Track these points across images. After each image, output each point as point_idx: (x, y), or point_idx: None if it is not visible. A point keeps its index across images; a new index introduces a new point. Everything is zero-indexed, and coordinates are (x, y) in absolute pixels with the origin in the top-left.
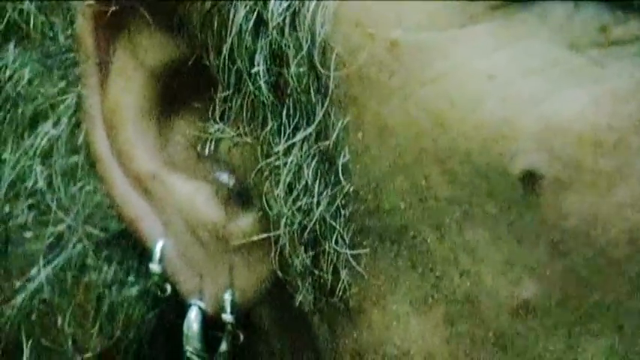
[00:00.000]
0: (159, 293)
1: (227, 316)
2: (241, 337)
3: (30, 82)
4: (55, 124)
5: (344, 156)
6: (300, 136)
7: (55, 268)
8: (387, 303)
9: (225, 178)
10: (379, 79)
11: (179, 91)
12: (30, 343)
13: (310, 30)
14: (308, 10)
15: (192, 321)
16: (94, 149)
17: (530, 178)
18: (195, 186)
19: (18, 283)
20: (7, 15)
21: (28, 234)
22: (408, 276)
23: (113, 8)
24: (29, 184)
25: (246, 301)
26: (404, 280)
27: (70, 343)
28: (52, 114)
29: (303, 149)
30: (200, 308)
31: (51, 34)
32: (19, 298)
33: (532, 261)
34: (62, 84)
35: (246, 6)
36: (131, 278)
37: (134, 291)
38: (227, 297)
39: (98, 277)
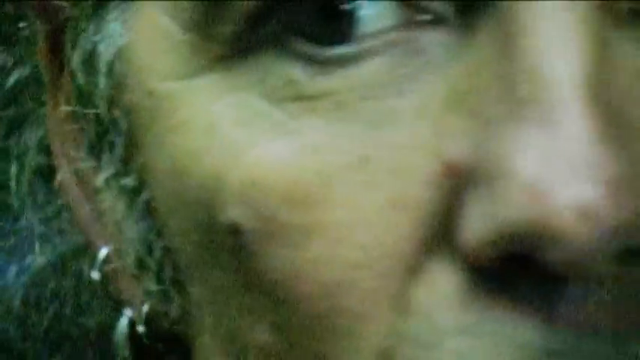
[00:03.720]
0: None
1: (140, 328)
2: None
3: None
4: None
5: (146, 194)
6: (105, 174)
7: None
8: (200, 334)
9: None
10: (148, 125)
11: None
12: None
13: (106, 73)
14: (103, 54)
15: (121, 330)
16: (54, 156)
17: (236, 232)
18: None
19: None
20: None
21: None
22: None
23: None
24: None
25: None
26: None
27: None
28: (32, 119)
29: (112, 186)
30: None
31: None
32: None
33: (260, 309)
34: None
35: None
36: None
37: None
38: (145, 308)
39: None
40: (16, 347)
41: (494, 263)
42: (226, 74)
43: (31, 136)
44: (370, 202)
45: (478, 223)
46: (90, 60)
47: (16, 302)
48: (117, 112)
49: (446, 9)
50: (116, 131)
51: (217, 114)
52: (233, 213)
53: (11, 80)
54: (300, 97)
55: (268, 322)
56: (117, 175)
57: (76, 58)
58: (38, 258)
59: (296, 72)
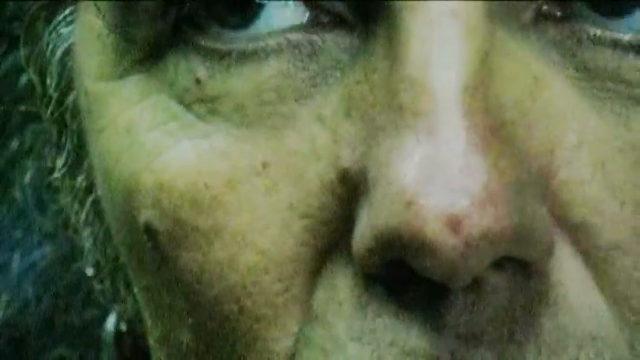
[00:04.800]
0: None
1: (122, 326)
2: None
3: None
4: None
5: (94, 194)
6: (58, 173)
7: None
8: (148, 335)
9: None
10: (86, 126)
11: None
12: None
13: (56, 73)
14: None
15: (108, 327)
16: None
17: (151, 233)
18: None
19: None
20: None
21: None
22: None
23: None
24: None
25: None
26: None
27: None
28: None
29: (66, 186)
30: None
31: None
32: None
33: (180, 310)
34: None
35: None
36: None
37: None
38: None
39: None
40: (21, 338)
41: (382, 270)
42: (145, 77)
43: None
44: (270, 207)
45: (362, 230)
46: (42, 60)
47: (23, 294)
48: (66, 113)
49: (347, 11)
50: (66, 131)
51: (136, 117)
52: (147, 215)
53: (24, 79)
54: (204, 99)
55: (188, 323)
56: (69, 175)
57: (32, 59)
58: (44, 252)
59: (199, 70)
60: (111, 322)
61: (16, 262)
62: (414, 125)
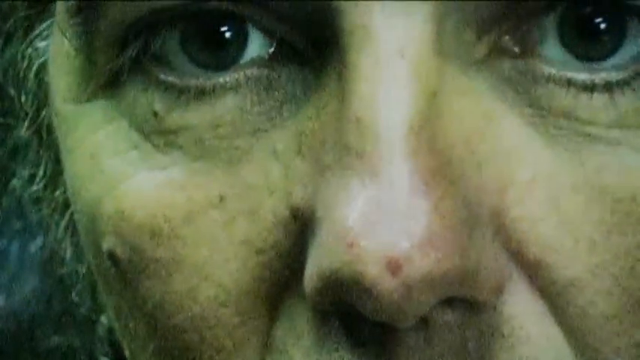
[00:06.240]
0: None
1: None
2: None
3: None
4: None
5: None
6: (38, 186)
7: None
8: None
9: None
10: (60, 143)
11: None
12: None
13: (30, 88)
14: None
15: (102, 325)
16: None
17: (113, 259)
18: None
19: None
20: None
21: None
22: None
23: None
24: None
25: None
26: None
27: None
28: None
29: (47, 198)
30: None
31: None
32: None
33: (144, 334)
34: None
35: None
36: None
37: None
38: None
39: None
40: (26, 326)
41: (334, 307)
42: (107, 103)
43: None
44: (227, 241)
45: (310, 270)
46: (19, 74)
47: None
48: (42, 128)
49: (304, 45)
50: (42, 145)
51: (99, 142)
52: (109, 242)
53: None
54: (162, 131)
55: (151, 348)
56: (47, 187)
57: (9, 72)
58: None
59: (157, 104)
60: (104, 320)
61: (16, 251)
62: (359, 166)
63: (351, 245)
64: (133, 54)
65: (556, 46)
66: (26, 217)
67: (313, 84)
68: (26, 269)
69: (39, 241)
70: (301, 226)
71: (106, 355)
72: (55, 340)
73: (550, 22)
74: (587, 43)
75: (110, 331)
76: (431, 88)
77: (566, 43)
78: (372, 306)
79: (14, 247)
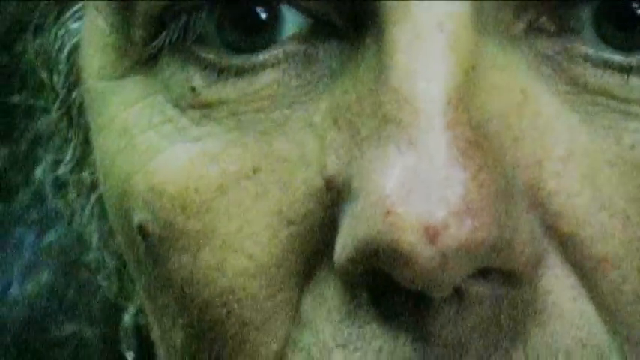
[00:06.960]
0: None
1: (141, 319)
2: None
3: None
4: None
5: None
6: (65, 168)
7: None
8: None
9: None
10: (91, 122)
11: None
12: None
13: (63, 69)
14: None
15: (126, 320)
16: None
17: (144, 234)
18: None
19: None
20: None
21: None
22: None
23: None
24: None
25: None
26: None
27: None
28: None
29: (73, 181)
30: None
31: None
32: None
33: (173, 310)
34: None
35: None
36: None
37: None
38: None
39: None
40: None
41: (365, 278)
42: (142, 78)
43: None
44: (259, 212)
45: (343, 239)
46: (50, 56)
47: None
48: (73, 108)
49: (340, 20)
50: (72, 126)
51: (132, 118)
52: (140, 217)
53: None
54: (199, 105)
55: (180, 324)
56: (75, 170)
57: (40, 54)
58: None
59: (195, 79)
60: (131, 311)
61: (32, 241)
62: (397, 136)
63: (388, 213)
64: (174, 37)
65: (592, 38)
66: (44, 207)
67: (351, 58)
68: (41, 259)
69: (55, 231)
70: (334, 198)
71: (129, 347)
72: (69, 328)
73: (586, 14)
74: (623, 34)
75: (135, 320)
76: (469, 62)
77: (603, 34)
78: (409, 274)
79: (29, 238)
